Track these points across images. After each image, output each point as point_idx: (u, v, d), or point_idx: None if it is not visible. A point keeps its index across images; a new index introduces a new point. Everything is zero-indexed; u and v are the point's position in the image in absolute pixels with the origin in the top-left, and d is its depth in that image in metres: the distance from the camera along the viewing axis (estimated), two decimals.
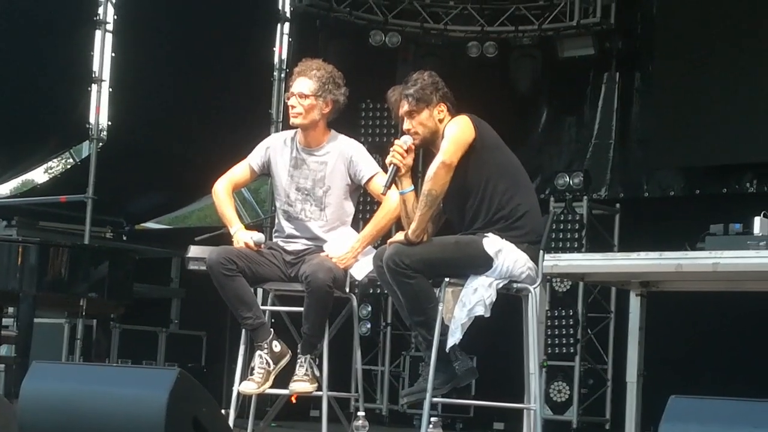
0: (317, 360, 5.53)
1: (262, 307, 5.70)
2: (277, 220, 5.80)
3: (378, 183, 5.52)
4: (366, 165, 5.65)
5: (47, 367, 4.82)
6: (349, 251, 5.52)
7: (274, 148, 5.77)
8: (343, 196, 5.67)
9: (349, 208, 5.73)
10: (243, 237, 5.59)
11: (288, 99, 5.67)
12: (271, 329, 5.61)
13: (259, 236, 5.63)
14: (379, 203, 5.70)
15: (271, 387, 5.56)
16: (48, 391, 4.56)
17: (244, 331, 5.61)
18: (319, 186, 5.65)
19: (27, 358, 6.86)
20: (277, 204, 5.79)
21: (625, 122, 9.85)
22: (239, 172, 5.81)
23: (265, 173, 5.81)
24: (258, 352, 5.52)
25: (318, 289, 5.35)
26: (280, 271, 5.61)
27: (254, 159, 5.78)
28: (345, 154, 5.66)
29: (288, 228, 5.69)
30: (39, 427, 4.52)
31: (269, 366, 5.51)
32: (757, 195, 8.76)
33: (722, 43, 8.99)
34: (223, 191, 5.77)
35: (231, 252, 5.50)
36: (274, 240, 5.76)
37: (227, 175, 5.84)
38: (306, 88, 5.60)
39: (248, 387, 5.50)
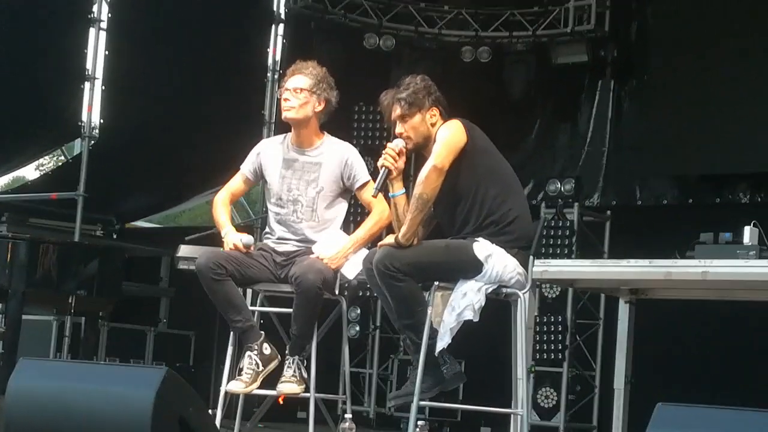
0: (305, 362, 5.53)
1: (251, 308, 5.69)
2: (268, 222, 5.80)
3: (369, 190, 5.54)
4: (361, 170, 5.66)
5: (34, 363, 4.81)
6: (339, 251, 5.51)
7: (265, 152, 5.77)
8: (334, 198, 5.67)
9: (341, 210, 5.72)
10: (232, 239, 5.59)
11: (281, 94, 5.67)
12: (262, 332, 5.61)
13: (248, 238, 5.62)
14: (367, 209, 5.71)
15: (259, 388, 5.56)
16: (35, 387, 4.55)
17: (232, 332, 5.61)
18: (312, 187, 5.64)
19: (14, 354, 6.85)
20: (269, 205, 5.78)
21: (618, 130, 9.86)
22: (235, 183, 5.83)
23: (260, 179, 5.80)
24: (248, 353, 5.52)
25: (307, 290, 5.35)
26: (270, 273, 5.60)
27: (247, 167, 5.79)
28: (341, 156, 5.66)
29: (279, 229, 5.68)
30: (25, 424, 4.51)
31: (258, 367, 5.50)
32: (750, 205, 8.77)
33: (717, 53, 9.01)
34: (220, 201, 5.79)
35: (220, 256, 5.49)
36: (264, 241, 5.76)
37: (226, 186, 5.86)
38: (301, 83, 5.62)
39: (236, 386, 5.49)
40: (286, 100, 5.63)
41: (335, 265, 5.48)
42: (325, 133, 5.75)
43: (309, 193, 5.64)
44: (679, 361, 8.14)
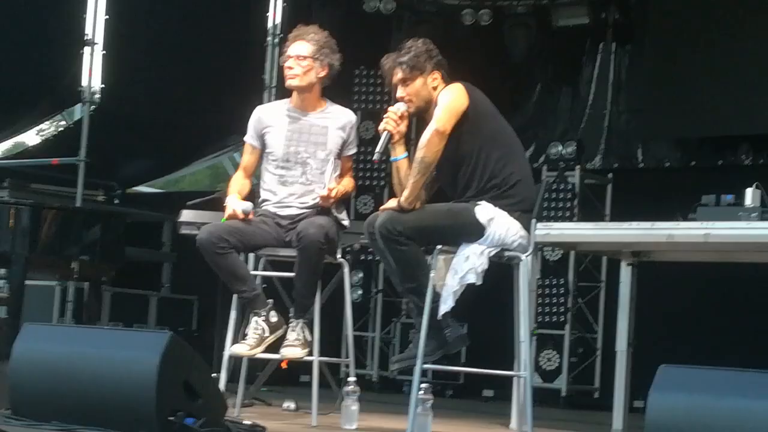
0: (310, 324, 5.55)
1: (253, 272, 5.72)
2: (265, 188, 5.77)
3: (349, 162, 5.74)
4: (356, 141, 5.71)
5: (39, 328, 4.84)
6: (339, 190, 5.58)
7: (265, 115, 5.78)
8: (336, 161, 5.69)
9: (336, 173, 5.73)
10: (231, 204, 5.60)
11: (284, 62, 5.67)
12: (270, 300, 5.62)
13: (247, 205, 5.63)
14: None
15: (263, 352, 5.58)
16: (39, 352, 4.57)
17: (239, 301, 5.63)
18: (321, 149, 5.65)
19: (18, 320, 6.86)
20: (268, 168, 5.75)
21: (620, 92, 9.83)
22: (245, 157, 5.86)
23: (263, 144, 5.79)
24: (254, 318, 5.54)
25: (310, 244, 5.36)
26: (273, 237, 5.61)
27: (250, 136, 5.81)
28: (346, 122, 5.70)
29: (283, 192, 5.67)
30: (30, 389, 4.53)
31: (264, 333, 5.53)
32: (752, 167, 8.75)
33: (719, 13, 8.97)
34: (233, 178, 5.85)
35: (221, 229, 5.50)
36: (264, 208, 5.74)
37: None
38: (304, 50, 5.62)
39: (240, 349, 5.52)
40: (289, 68, 5.64)
41: (329, 199, 5.51)
42: (327, 98, 5.76)
43: (318, 155, 5.64)
44: (681, 323, 8.16)
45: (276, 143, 5.69)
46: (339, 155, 5.71)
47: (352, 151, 5.76)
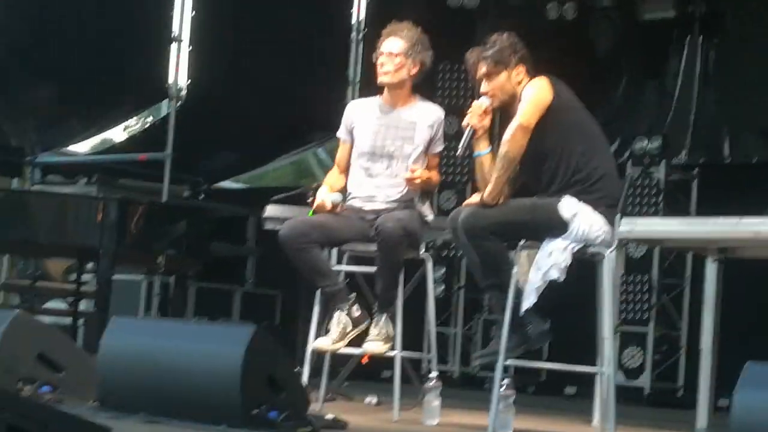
0: (393, 318, 5.55)
1: (336, 267, 5.74)
2: (352, 182, 5.80)
3: (436, 159, 5.75)
4: (442, 138, 5.70)
5: (126, 321, 4.92)
6: (423, 173, 5.58)
7: (356, 109, 5.84)
8: (424, 157, 5.70)
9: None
10: (320, 195, 5.64)
11: (377, 59, 5.70)
12: (353, 294, 5.65)
13: (336, 196, 5.67)
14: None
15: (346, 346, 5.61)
16: (126, 345, 4.65)
17: (321, 296, 5.65)
18: (408, 143, 5.67)
19: (106, 313, 6.97)
20: (357, 161, 5.77)
21: (706, 87, 9.69)
22: (338, 152, 5.90)
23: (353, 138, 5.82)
24: (337, 312, 5.56)
25: (388, 237, 5.37)
26: (357, 231, 5.63)
27: (341, 131, 5.86)
28: (434, 118, 5.71)
29: (369, 185, 5.69)
30: (117, 381, 4.61)
31: (347, 327, 5.55)
32: None
33: None
34: (329, 174, 5.92)
35: (304, 223, 5.53)
36: (349, 202, 5.77)
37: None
38: (396, 47, 5.65)
39: (323, 343, 5.56)
40: (381, 64, 5.67)
41: (417, 183, 5.52)
42: (417, 94, 5.78)
43: (405, 149, 5.66)
44: (766, 321, 8.04)
45: (364, 136, 5.73)
46: (426, 151, 5.71)
47: (439, 148, 5.76)
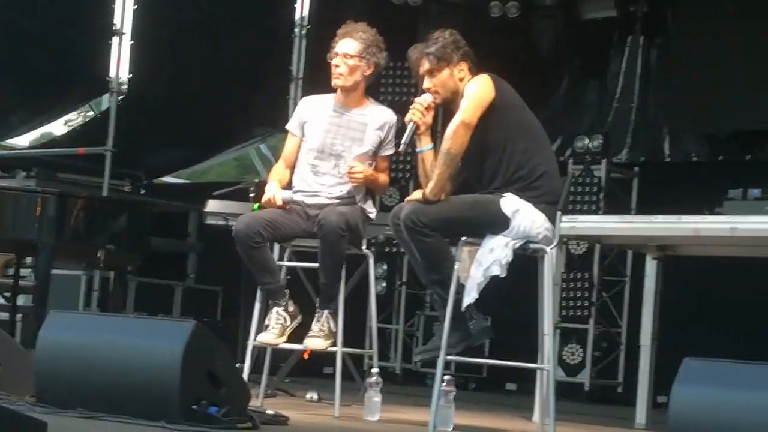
0: (335, 314, 5.55)
1: (279, 263, 5.74)
2: (297, 177, 5.79)
3: (385, 162, 5.74)
4: (393, 140, 5.70)
5: (64, 316, 4.86)
6: (366, 170, 5.59)
7: (309, 106, 5.84)
8: (372, 159, 5.70)
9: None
10: (271, 190, 5.63)
11: (331, 59, 5.69)
12: (287, 290, 5.66)
13: (287, 194, 5.65)
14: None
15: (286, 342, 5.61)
16: (65, 340, 4.60)
17: (261, 292, 5.65)
18: (357, 145, 5.67)
19: (44, 308, 6.89)
20: (305, 158, 5.76)
21: (647, 86, 9.79)
22: (286, 146, 5.88)
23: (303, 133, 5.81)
24: (275, 309, 5.59)
25: (330, 231, 5.37)
26: (302, 228, 5.64)
27: (292, 124, 5.86)
28: (384, 120, 5.71)
29: (315, 182, 5.69)
30: (55, 376, 4.55)
31: (285, 322, 5.57)
32: None
33: (749, 6, 8.91)
34: (274, 168, 5.89)
35: (257, 221, 5.52)
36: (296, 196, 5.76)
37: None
38: (351, 49, 5.65)
39: (267, 338, 5.56)
40: (336, 66, 5.67)
41: (358, 177, 5.52)
42: (369, 96, 5.80)
43: (353, 150, 5.66)
44: (705, 318, 8.13)
45: (314, 134, 5.73)
46: (375, 153, 5.72)
47: (390, 151, 5.77)
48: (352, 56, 5.65)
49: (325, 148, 5.69)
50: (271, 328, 5.56)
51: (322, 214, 5.46)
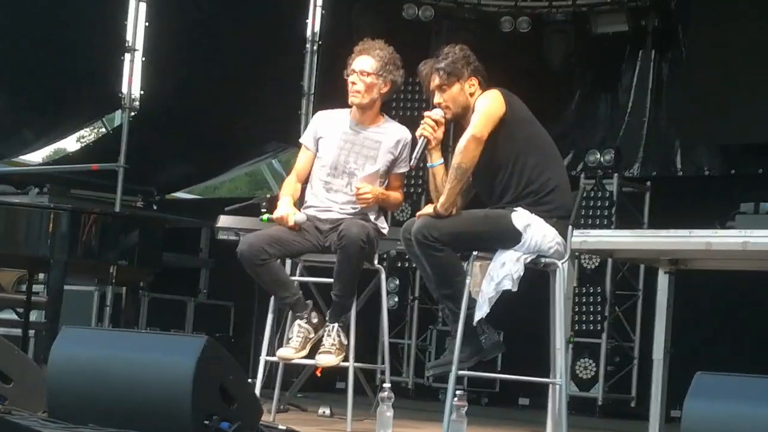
0: (347, 328, 5.54)
1: (292, 278, 5.73)
2: (310, 192, 5.78)
3: (400, 180, 5.75)
4: (408, 158, 5.69)
5: (76, 332, 4.87)
6: (376, 190, 5.58)
7: (324, 121, 5.82)
8: (385, 178, 5.70)
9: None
10: (284, 208, 5.60)
11: (348, 76, 5.69)
12: (309, 301, 5.64)
13: (301, 217, 5.61)
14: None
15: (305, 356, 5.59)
16: (77, 355, 4.60)
17: (272, 300, 5.64)
18: (370, 163, 5.66)
19: (57, 324, 6.89)
20: (317, 174, 5.76)
21: (659, 100, 9.79)
22: (299, 159, 5.86)
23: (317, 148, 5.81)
24: (297, 321, 5.55)
25: (351, 243, 5.36)
26: (312, 244, 5.61)
27: (306, 138, 5.84)
28: (400, 139, 5.70)
29: (327, 198, 5.68)
30: (67, 391, 4.56)
31: (308, 333, 5.54)
32: None
33: (760, 21, 8.91)
34: (285, 183, 5.85)
35: (261, 240, 5.50)
36: (304, 211, 5.75)
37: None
38: (368, 66, 5.65)
39: (286, 353, 5.53)
40: (353, 83, 5.67)
41: (366, 198, 5.51)
42: (384, 114, 5.80)
43: (366, 169, 5.65)
44: (718, 332, 8.11)
45: (328, 150, 5.72)
46: (389, 171, 5.72)
47: (404, 169, 5.76)
48: (369, 74, 5.66)
49: (338, 165, 5.69)
50: (292, 342, 5.54)
51: (343, 225, 5.44)
